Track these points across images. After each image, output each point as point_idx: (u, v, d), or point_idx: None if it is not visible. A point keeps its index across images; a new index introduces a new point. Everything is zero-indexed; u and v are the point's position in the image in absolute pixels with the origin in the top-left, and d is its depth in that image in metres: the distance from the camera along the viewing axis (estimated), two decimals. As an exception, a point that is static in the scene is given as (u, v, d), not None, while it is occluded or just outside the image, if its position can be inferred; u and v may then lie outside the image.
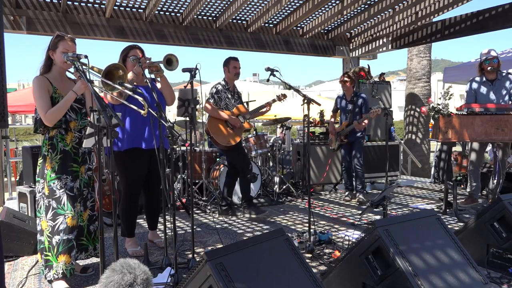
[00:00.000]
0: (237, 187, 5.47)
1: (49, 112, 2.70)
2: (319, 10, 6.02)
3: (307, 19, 6.38)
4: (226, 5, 5.63)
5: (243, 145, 5.04)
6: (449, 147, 6.50)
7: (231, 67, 4.58)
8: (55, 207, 2.76)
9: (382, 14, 6.15)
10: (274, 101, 4.83)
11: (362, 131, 5.45)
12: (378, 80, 7.15)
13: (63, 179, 2.79)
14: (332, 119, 5.73)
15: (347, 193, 5.72)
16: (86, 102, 2.91)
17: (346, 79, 5.39)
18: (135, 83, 3.18)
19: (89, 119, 2.87)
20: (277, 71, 3.83)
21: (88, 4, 5.28)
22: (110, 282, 1.88)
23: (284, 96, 4.84)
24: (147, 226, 3.77)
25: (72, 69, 2.72)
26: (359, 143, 5.46)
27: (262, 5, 5.71)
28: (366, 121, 5.28)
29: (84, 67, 2.58)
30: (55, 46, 2.76)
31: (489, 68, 4.69)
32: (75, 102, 2.83)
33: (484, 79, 4.83)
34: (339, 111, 5.65)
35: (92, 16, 5.32)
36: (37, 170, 2.87)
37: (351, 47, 7.30)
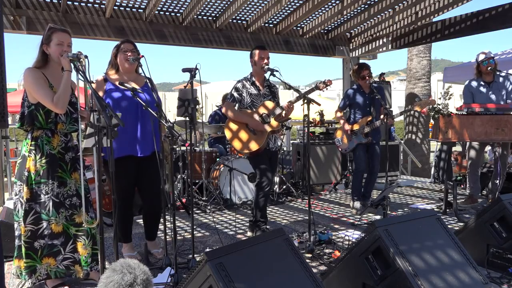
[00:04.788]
0: (237, 187, 5.47)
1: (55, 98, 2.55)
2: (319, 10, 6.01)
3: (307, 19, 6.37)
4: (226, 5, 5.63)
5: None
6: (449, 147, 6.52)
7: (257, 58, 3.88)
8: (38, 211, 2.64)
9: (382, 14, 6.15)
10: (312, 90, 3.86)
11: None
12: (378, 80, 7.14)
13: (49, 185, 2.65)
14: (343, 117, 4.98)
15: (357, 204, 4.92)
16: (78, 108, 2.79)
17: (369, 72, 4.80)
18: (131, 82, 3.14)
19: (79, 124, 2.77)
20: (277, 71, 3.81)
21: (88, 4, 5.28)
22: (110, 282, 1.88)
23: (326, 84, 3.78)
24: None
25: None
26: (379, 143, 4.94)
27: (262, 5, 5.71)
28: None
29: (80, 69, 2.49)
30: (49, 39, 2.64)
31: (489, 68, 4.69)
32: (68, 104, 2.70)
33: (481, 81, 4.83)
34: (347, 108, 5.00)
35: (92, 16, 5.31)
36: (15, 171, 2.72)
37: (351, 47, 7.30)
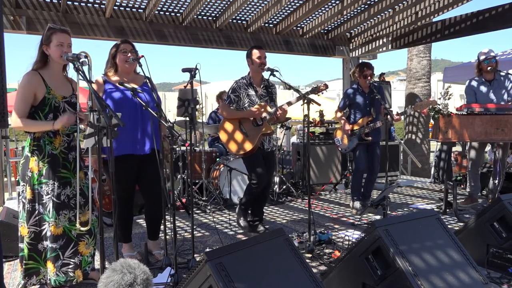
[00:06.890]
0: (237, 187, 5.47)
1: (24, 122, 2.57)
2: (319, 10, 6.02)
3: (307, 19, 6.37)
4: (226, 5, 5.63)
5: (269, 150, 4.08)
6: (449, 147, 6.52)
7: (254, 57, 3.90)
8: (41, 212, 2.62)
9: (382, 14, 6.15)
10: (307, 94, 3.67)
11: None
12: (378, 80, 7.14)
13: (50, 185, 2.62)
14: (344, 117, 4.94)
15: (357, 204, 4.92)
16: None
17: (371, 72, 4.73)
18: (131, 83, 3.13)
19: (79, 124, 2.76)
20: (277, 71, 3.81)
21: (88, 4, 5.28)
22: (110, 282, 1.88)
23: (324, 87, 3.78)
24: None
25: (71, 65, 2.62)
26: (379, 143, 4.94)
27: (262, 5, 5.71)
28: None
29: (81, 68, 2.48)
30: (48, 40, 2.62)
31: (488, 68, 4.69)
32: (68, 105, 2.70)
33: (482, 79, 4.83)
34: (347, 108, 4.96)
35: (92, 16, 5.32)
36: (18, 171, 2.71)
37: (351, 47, 7.30)
